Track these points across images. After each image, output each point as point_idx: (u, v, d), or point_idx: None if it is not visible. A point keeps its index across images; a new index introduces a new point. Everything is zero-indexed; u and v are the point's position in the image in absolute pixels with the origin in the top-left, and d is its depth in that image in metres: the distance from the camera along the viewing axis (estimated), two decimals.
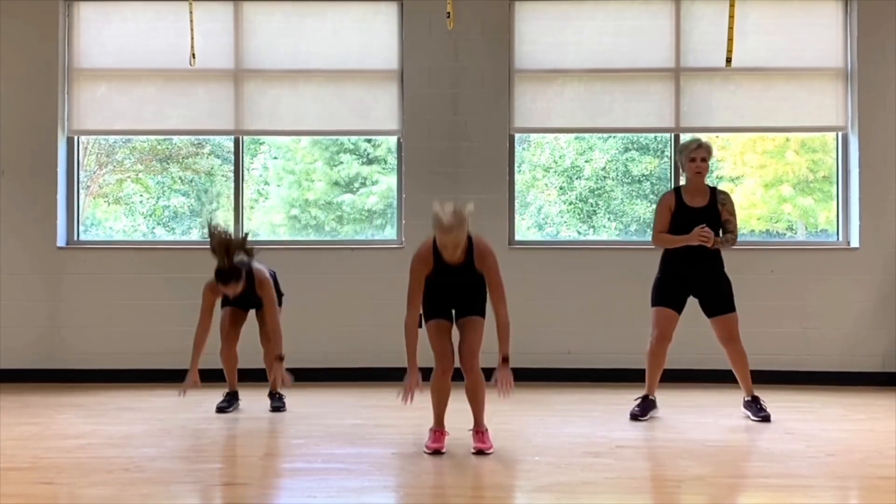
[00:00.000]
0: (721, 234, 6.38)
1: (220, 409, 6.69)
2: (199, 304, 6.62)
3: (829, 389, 7.81)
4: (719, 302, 6.42)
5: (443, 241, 5.18)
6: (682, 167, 6.46)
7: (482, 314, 5.48)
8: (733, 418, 6.52)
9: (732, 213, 6.42)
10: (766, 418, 6.33)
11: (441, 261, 5.30)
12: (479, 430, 5.49)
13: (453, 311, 5.51)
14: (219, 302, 6.75)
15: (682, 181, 6.55)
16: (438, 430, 5.47)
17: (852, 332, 8.16)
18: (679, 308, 6.39)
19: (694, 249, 6.32)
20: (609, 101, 8.42)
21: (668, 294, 6.37)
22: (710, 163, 6.39)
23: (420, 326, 5.37)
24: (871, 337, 8.15)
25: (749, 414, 6.43)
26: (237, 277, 6.38)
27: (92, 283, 8.29)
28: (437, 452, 5.32)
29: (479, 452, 5.37)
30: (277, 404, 6.83)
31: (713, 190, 6.45)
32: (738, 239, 6.51)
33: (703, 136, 9.01)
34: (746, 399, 6.49)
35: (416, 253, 5.39)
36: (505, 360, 5.32)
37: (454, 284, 5.39)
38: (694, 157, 6.32)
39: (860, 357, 8.14)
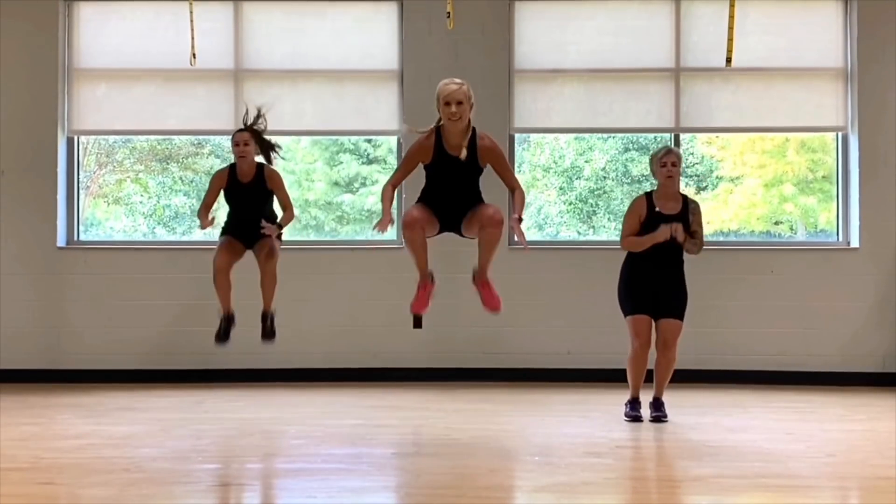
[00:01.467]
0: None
1: (220, 338, 6.59)
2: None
3: (829, 389, 7.81)
4: (673, 306, 6.33)
5: (447, 93, 5.16)
6: (653, 174, 6.43)
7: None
8: (733, 418, 6.53)
9: (700, 225, 6.37)
10: (659, 419, 6.28)
11: (442, 149, 5.25)
12: (484, 280, 5.42)
13: (449, 231, 5.47)
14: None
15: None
16: (426, 282, 5.44)
17: (852, 332, 8.16)
18: (650, 311, 6.33)
19: (660, 254, 6.27)
20: (609, 101, 8.42)
21: (638, 300, 6.32)
22: (680, 169, 6.35)
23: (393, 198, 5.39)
24: (871, 337, 8.15)
25: (650, 412, 6.37)
26: (254, 130, 6.62)
27: (92, 283, 8.29)
28: (417, 316, 5.53)
29: (494, 311, 5.44)
30: (268, 329, 6.73)
31: (685, 198, 6.41)
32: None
33: (703, 136, 9.09)
34: (653, 399, 6.41)
35: (418, 137, 5.38)
36: (520, 219, 5.21)
37: (454, 187, 5.30)
38: (665, 161, 6.28)
39: (860, 357, 8.14)
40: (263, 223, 6.49)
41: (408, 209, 5.46)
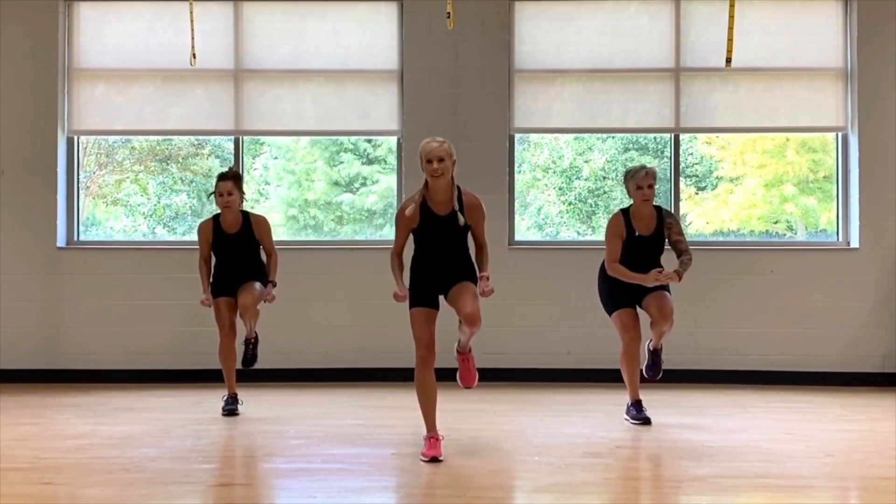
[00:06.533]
0: (678, 261, 6.29)
1: (230, 413, 6.64)
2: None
3: (829, 389, 7.81)
4: (658, 287, 6.29)
5: (429, 151, 5.23)
6: (628, 193, 6.37)
7: (474, 281, 5.40)
8: (733, 418, 6.53)
9: (681, 234, 6.35)
10: (653, 374, 6.50)
11: (428, 210, 5.31)
12: (465, 355, 5.56)
13: (440, 296, 5.42)
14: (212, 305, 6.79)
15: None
16: (432, 436, 5.30)
17: (852, 332, 8.16)
18: (634, 305, 6.36)
19: (638, 265, 6.26)
20: (609, 101, 8.41)
21: (621, 297, 6.34)
22: (655, 188, 6.31)
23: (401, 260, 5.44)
24: (871, 337, 8.15)
25: (647, 359, 6.50)
26: (236, 177, 6.72)
27: (92, 283, 8.29)
28: (434, 460, 5.17)
29: (468, 387, 5.64)
30: (249, 353, 6.79)
31: (659, 211, 6.38)
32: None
33: (703, 136, 9.08)
34: (651, 349, 6.52)
35: (402, 203, 5.49)
36: (487, 277, 5.27)
37: (442, 249, 5.35)
38: (641, 185, 6.23)
39: (860, 357, 8.14)
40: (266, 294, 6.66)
41: (413, 320, 5.36)
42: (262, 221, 6.84)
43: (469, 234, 5.43)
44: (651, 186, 6.25)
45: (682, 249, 6.31)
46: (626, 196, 6.46)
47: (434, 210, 5.32)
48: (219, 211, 6.75)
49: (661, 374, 6.52)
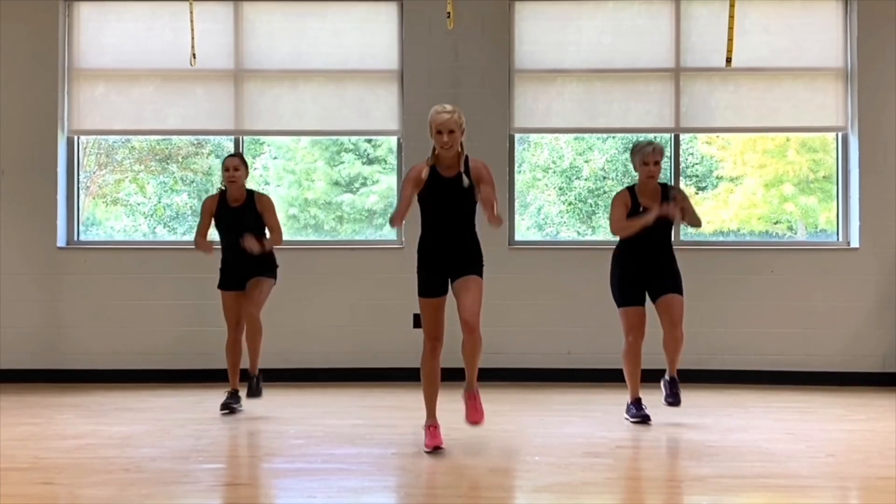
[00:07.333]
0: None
1: (230, 410, 6.63)
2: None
3: (829, 389, 7.81)
4: (670, 283, 6.29)
5: (439, 123, 5.23)
6: (634, 167, 6.37)
7: (480, 273, 5.38)
8: (733, 418, 6.53)
9: (685, 200, 6.36)
10: (674, 396, 6.31)
11: (436, 174, 5.31)
12: (471, 393, 5.42)
13: (449, 280, 5.39)
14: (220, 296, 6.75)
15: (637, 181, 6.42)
16: (432, 424, 5.39)
17: (852, 332, 8.16)
18: (643, 302, 6.34)
19: (648, 245, 6.26)
20: (609, 101, 8.41)
21: (630, 292, 6.32)
22: (661, 163, 6.28)
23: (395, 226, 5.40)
24: (871, 337, 8.15)
25: (665, 392, 6.37)
26: (242, 158, 6.76)
27: (92, 283, 8.29)
28: (437, 449, 5.26)
29: (475, 424, 5.41)
30: (255, 388, 6.79)
31: (664, 188, 6.37)
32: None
33: (703, 136, 9.08)
34: (668, 379, 6.40)
35: (413, 166, 5.46)
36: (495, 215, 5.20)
37: (449, 217, 5.33)
38: (647, 161, 6.21)
39: (860, 357, 8.14)
40: (245, 236, 6.46)
41: (422, 310, 5.38)
42: (266, 198, 6.80)
43: (476, 206, 5.35)
44: (657, 163, 6.24)
45: (688, 211, 6.33)
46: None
47: (440, 172, 5.34)
48: (224, 188, 6.74)
49: (680, 403, 6.37)
